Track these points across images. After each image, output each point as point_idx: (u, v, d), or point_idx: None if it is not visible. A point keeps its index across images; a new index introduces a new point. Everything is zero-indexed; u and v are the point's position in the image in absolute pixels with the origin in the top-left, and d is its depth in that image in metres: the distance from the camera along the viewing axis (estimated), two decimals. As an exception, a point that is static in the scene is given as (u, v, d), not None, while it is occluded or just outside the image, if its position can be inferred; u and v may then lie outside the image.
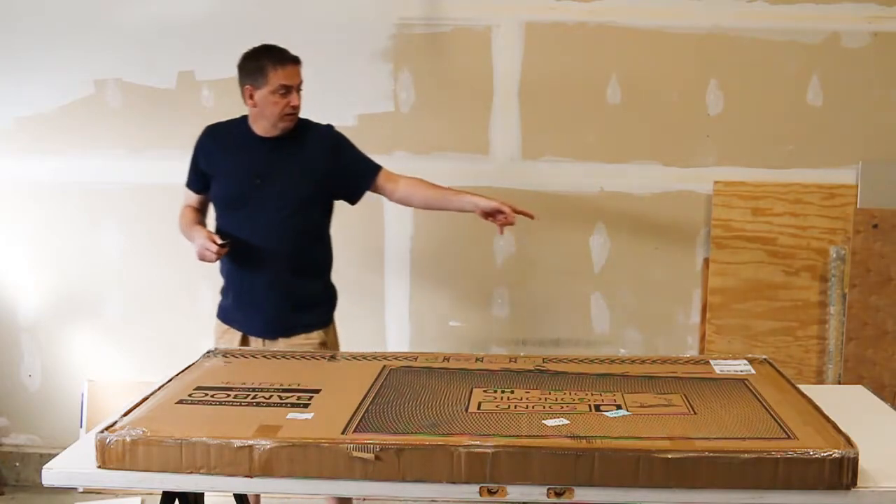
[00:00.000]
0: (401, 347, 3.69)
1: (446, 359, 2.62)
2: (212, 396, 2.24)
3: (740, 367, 2.54)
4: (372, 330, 3.72)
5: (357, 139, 3.59)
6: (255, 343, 2.95)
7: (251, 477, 1.93)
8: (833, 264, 3.52)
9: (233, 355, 2.63)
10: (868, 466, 1.88)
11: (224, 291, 3.01)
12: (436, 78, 3.59)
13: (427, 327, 3.72)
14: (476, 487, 1.90)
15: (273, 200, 2.86)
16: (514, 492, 1.90)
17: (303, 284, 2.95)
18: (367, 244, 3.67)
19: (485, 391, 2.29)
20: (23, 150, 3.72)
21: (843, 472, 1.84)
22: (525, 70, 3.56)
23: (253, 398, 2.22)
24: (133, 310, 3.78)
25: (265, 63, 2.80)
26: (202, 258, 2.81)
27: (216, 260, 2.81)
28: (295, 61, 2.85)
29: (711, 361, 2.60)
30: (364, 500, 3.15)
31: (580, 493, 1.90)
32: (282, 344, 2.92)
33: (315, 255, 3.00)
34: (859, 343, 3.52)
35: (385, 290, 3.72)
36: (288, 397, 2.23)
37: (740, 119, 3.55)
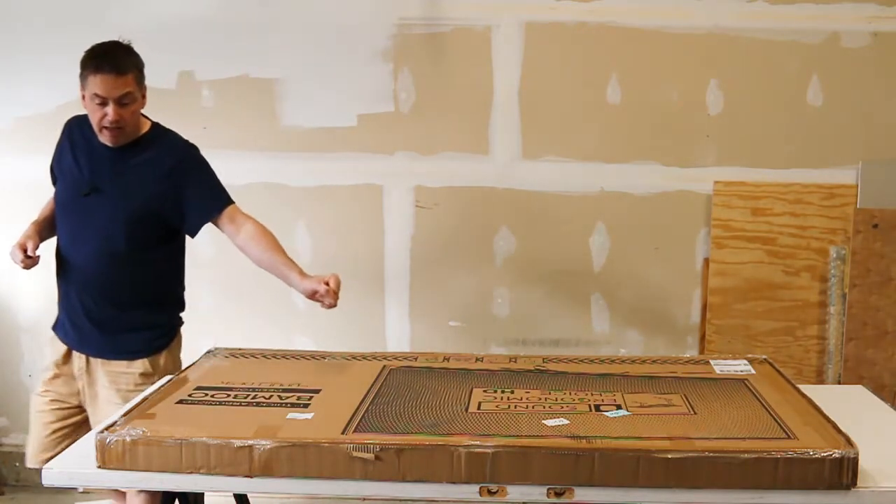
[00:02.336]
0: (401, 347, 3.70)
1: (446, 359, 2.62)
2: (212, 396, 2.24)
3: (740, 367, 2.54)
4: (372, 330, 3.72)
5: (357, 139, 3.62)
6: (79, 360, 2.74)
7: (251, 477, 1.93)
8: (833, 264, 3.52)
9: (233, 355, 2.63)
10: (868, 466, 1.88)
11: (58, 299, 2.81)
12: (436, 78, 3.59)
13: (427, 327, 3.72)
14: (476, 487, 1.90)
15: (99, 216, 2.64)
16: (514, 492, 1.90)
17: (121, 310, 2.70)
18: (367, 244, 3.67)
19: (485, 391, 2.29)
20: (23, 150, 3.72)
21: (843, 472, 1.85)
22: (525, 70, 3.56)
23: (253, 398, 2.22)
24: (133, 310, 3.77)
25: (85, 66, 2.59)
26: (13, 261, 2.63)
27: (27, 268, 2.62)
28: (117, 71, 2.56)
29: (711, 361, 2.60)
30: (364, 500, 3.15)
31: (580, 493, 1.90)
32: (100, 367, 2.71)
33: (138, 285, 2.70)
34: (859, 343, 3.52)
35: (385, 290, 3.72)
36: (288, 397, 2.23)
37: (740, 119, 3.55)
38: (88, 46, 2.63)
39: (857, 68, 3.50)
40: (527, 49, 3.55)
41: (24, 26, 3.64)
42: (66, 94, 3.66)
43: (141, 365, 2.71)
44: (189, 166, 2.73)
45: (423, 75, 3.59)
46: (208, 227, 2.78)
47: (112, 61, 2.56)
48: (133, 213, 2.64)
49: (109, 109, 2.56)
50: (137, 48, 3.59)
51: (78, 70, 2.60)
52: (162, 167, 2.69)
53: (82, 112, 2.66)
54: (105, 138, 2.63)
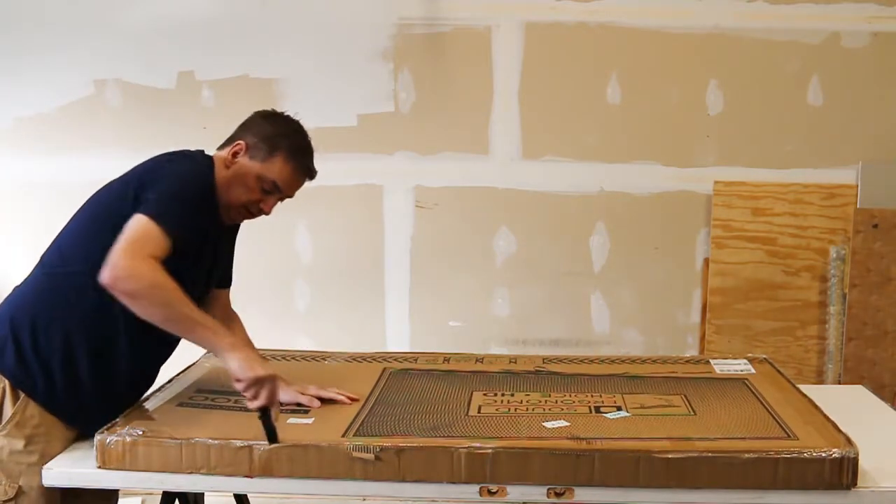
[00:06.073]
0: (401, 347, 3.69)
1: (446, 359, 2.62)
2: (212, 400, 2.24)
3: (740, 366, 2.55)
4: (372, 330, 3.72)
5: (357, 139, 3.62)
6: None
7: (251, 477, 1.93)
8: (833, 264, 3.52)
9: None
10: (868, 466, 1.88)
11: None
12: (436, 78, 3.59)
13: (427, 327, 3.72)
14: (476, 487, 1.90)
15: None
16: (514, 492, 1.91)
17: None
18: (367, 244, 3.67)
19: (485, 394, 2.29)
20: (23, 150, 3.72)
21: (843, 472, 1.85)
22: (525, 70, 3.56)
23: (254, 401, 2.22)
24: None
25: (281, 144, 2.17)
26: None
27: None
28: (311, 175, 2.24)
29: (711, 361, 2.60)
30: (364, 500, 3.15)
31: (580, 494, 1.90)
32: None
33: None
34: (859, 343, 3.52)
35: (385, 290, 3.71)
36: (288, 403, 2.22)
37: (740, 119, 3.55)
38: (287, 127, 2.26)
39: (857, 68, 3.49)
40: (527, 49, 3.55)
41: (24, 26, 3.63)
42: (66, 94, 3.66)
43: None
44: None
45: (423, 75, 3.59)
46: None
47: (313, 163, 2.24)
48: None
49: (272, 202, 2.19)
50: (138, 48, 3.62)
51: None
52: None
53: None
54: (230, 218, 2.23)
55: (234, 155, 2.17)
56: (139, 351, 2.11)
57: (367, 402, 2.23)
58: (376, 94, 3.60)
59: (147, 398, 2.24)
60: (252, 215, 2.23)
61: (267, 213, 2.22)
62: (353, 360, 2.64)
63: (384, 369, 2.52)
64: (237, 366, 1.97)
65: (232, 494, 2.36)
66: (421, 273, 3.70)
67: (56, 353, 2.06)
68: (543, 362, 2.58)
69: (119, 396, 2.15)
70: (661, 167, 3.59)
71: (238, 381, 1.98)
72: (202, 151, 2.24)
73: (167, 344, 2.18)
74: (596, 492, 1.89)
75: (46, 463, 2.02)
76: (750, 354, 2.71)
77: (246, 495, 2.49)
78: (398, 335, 3.73)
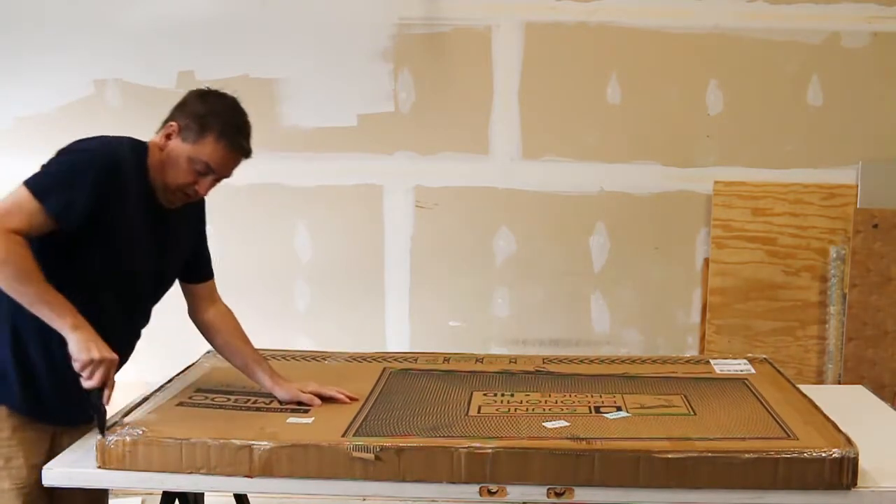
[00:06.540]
0: (401, 347, 3.69)
1: (446, 359, 2.62)
2: (212, 400, 2.24)
3: (740, 366, 2.55)
4: (372, 330, 3.72)
5: (357, 139, 3.62)
6: None
7: (251, 477, 1.93)
8: (833, 264, 3.52)
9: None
10: (868, 466, 1.88)
11: None
12: (436, 78, 3.59)
13: (427, 327, 3.72)
14: (476, 487, 1.90)
15: None
16: (514, 492, 1.91)
17: None
18: (367, 244, 3.67)
19: (485, 395, 2.29)
20: (23, 150, 3.71)
21: (843, 472, 1.85)
22: (525, 70, 3.56)
23: (253, 403, 2.22)
24: (133, 310, 3.77)
25: (212, 123, 2.08)
26: None
27: None
28: (245, 153, 2.14)
29: (711, 361, 2.60)
30: (364, 500, 3.15)
31: (580, 494, 1.90)
32: None
33: None
34: (859, 343, 3.52)
35: (385, 290, 3.71)
36: (288, 402, 2.22)
37: (740, 119, 3.55)
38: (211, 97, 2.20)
39: (857, 68, 3.49)
40: (527, 49, 3.55)
41: (24, 26, 3.63)
42: (66, 94, 3.66)
43: None
44: None
45: (423, 75, 3.59)
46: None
47: (245, 140, 2.14)
48: None
49: (207, 184, 2.12)
50: (138, 48, 3.62)
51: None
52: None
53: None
54: (168, 200, 2.14)
55: (167, 137, 2.11)
56: None
57: (367, 401, 2.23)
58: (376, 94, 3.60)
59: (147, 398, 2.24)
60: (190, 198, 2.16)
61: (203, 195, 2.16)
62: (353, 360, 2.64)
63: (384, 369, 2.52)
64: (74, 346, 1.92)
65: (232, 494, 2.37)
66: (421, 273, 3.70)
67: (7, 351, 2.04)
68: (543, 362, 2.58)
69: (79, 391, 2.04)
70: (661, 167, 3.59)
71: (74, 360, 1.93)
72: (130, 137, 2.16)
73: (123, 337, 2.13)
74: (596, 492, 1.89)
75: (9, 467, 2.02)
76: (750, 354, 2.71)
77: (246, 495, 2.49)
78: (398, 335, 3.73)
